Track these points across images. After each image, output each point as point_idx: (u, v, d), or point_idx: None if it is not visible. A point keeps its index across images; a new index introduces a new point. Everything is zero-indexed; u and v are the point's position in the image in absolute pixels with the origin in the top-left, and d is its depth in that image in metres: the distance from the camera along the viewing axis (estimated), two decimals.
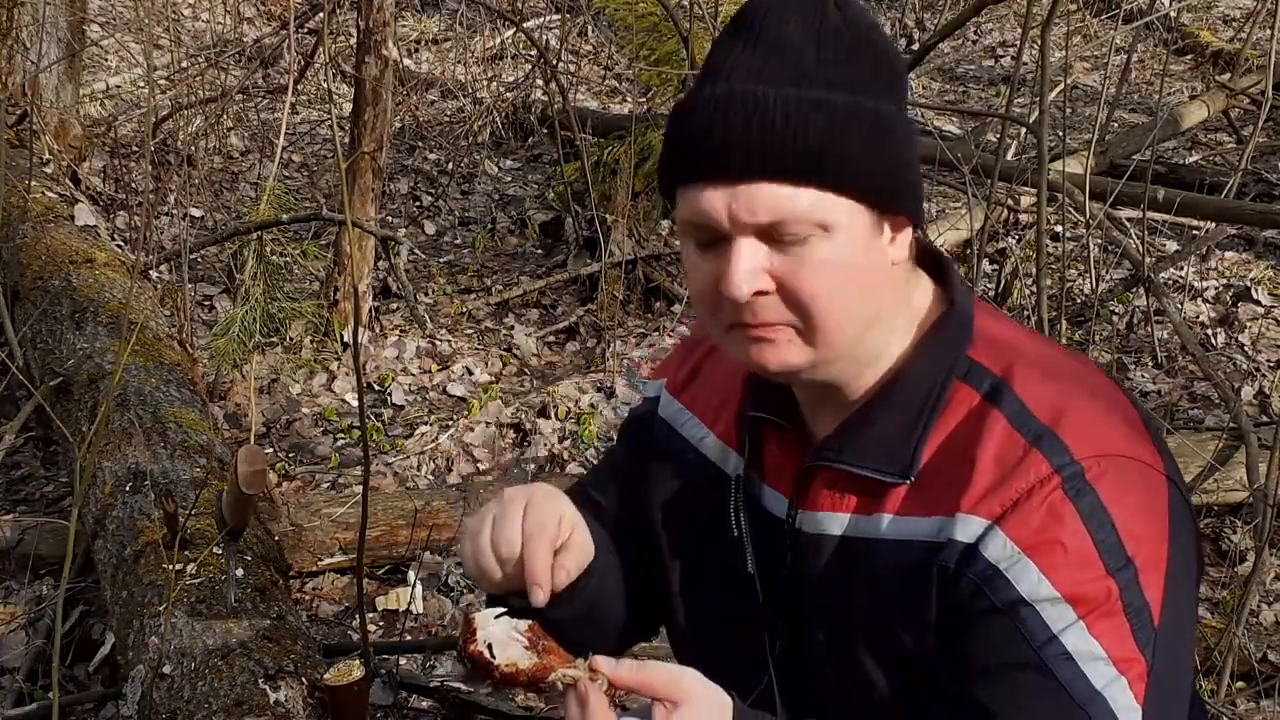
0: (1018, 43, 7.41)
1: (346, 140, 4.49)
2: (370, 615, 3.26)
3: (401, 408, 4.43)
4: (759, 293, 1.21)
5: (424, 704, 2.91)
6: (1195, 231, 5.37)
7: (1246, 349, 4.60)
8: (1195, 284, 5.03)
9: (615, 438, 1.70)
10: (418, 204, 6.12)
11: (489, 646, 1.20)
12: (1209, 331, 4.74)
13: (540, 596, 1.28)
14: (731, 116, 1.19)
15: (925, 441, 1.26)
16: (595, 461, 4.06)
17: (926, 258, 1.36)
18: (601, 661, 1.19)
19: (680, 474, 1.49)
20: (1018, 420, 1.23)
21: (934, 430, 1.26)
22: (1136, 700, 1.17)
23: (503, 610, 1.23)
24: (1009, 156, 5.08)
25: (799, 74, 1.19)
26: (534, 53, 6.33)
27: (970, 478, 1.22)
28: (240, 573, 2.51)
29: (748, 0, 1.26)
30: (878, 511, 1.27)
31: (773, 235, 1.20)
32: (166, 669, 2.32)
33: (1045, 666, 1.17)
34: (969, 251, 4.68)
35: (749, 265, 1.20)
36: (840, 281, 1.21)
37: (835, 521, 1.31)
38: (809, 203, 1.18)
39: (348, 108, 4.62)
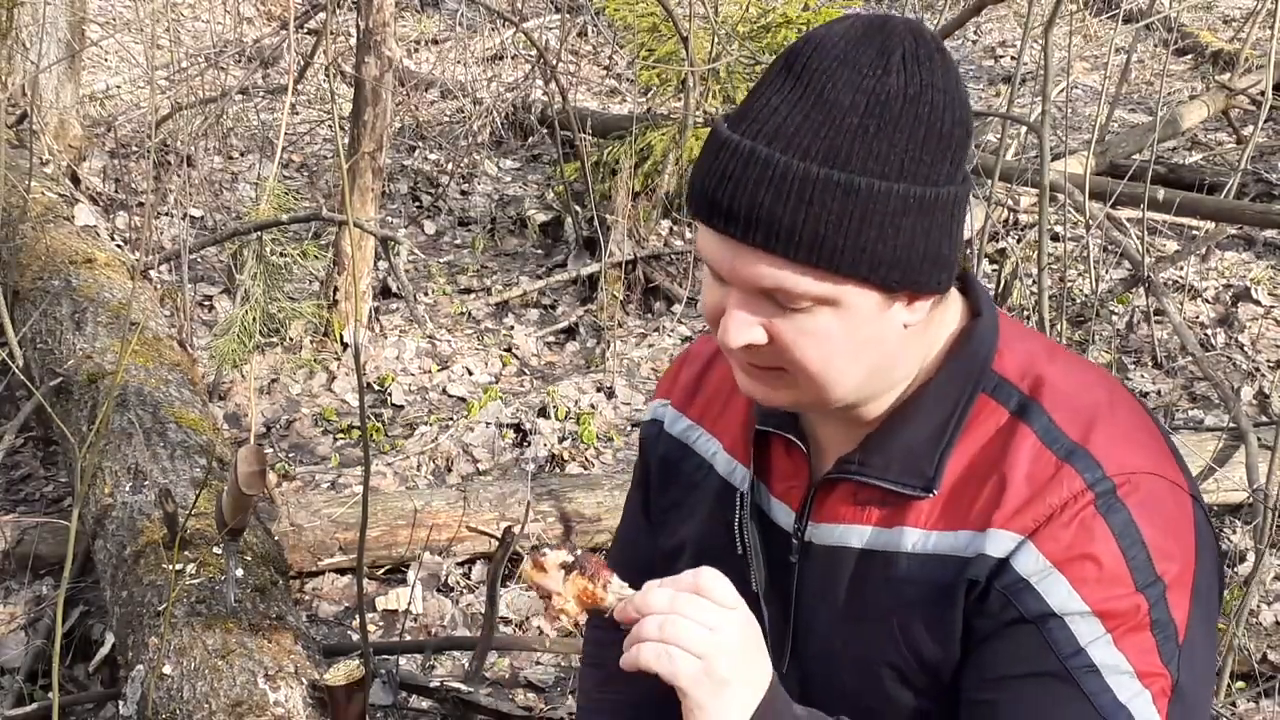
0: (1018, 43, 7.41)
1: (346, 140, 4.49)
2: (370, 615, 3.26)
3: (401, 408, 4.43)
4: (751, 344, 1.19)
5: (424, 704, 2.91)
6: (1195, 231, 5.37)
7: (1246, 349, 4.60)
8: (1195, 284, 5.03)
9: (632, 463, 1.68)
10: (418, 204, 6.12)
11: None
12: (1209, 331, 4.74)
13: None
14: (745, 178, 1.13)
15: (949, 456, 1.26)
16: (597, 462, 4.07)
17: None
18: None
19: (699, 495, 1.46)
20: (1047, 437, 1.23)
21: (959, 445, 1.26)
22: (1160, 715, 1.18)
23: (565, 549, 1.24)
24: (1009, 156, 5.08)
25: (830, 146, 1.12)
26: (534, 53, 6.32)
27: (1002, 495, 1.22)
28: (240, 573, 2.51)
29: (811, 33, 1.18)
30: (900, 525, 1.27)
31: (772, 297, 1.17)
32: (166, 669, 2.32)
33: (1071, 678, 1.18)
34: (969, 252, 4.68)
35: (743, 319, 1.18)
36: (837, 352, 1.18)
37: (855, 534, 1.30)
38: (809, 282, 1.15)
39: (348, 108, 4.62)
